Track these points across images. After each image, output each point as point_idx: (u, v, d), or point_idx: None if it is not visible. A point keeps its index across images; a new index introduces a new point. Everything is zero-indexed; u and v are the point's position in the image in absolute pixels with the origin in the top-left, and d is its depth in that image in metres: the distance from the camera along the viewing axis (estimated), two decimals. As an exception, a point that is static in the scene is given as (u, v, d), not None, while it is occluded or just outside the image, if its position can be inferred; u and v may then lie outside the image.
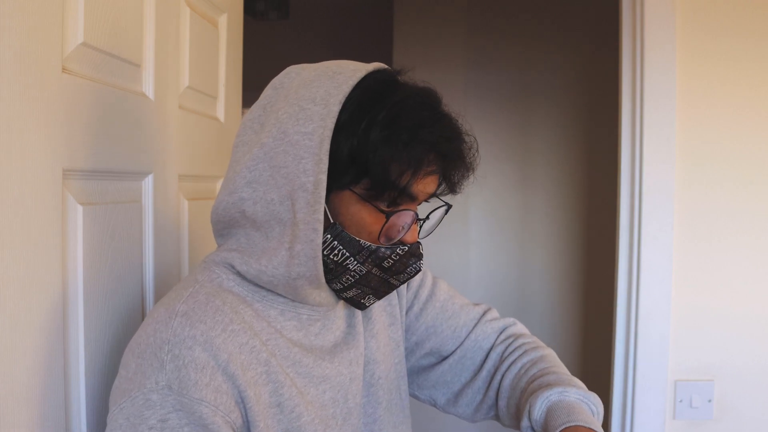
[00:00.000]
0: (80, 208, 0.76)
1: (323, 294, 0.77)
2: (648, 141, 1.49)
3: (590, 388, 0.85)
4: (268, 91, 0.77)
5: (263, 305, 0.76)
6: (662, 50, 1.48)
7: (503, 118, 2.71)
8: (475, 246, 2.77)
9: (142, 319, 0.85)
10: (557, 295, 2.76)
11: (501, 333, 0.96)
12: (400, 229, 0.75)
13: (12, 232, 0.64)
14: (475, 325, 0.96)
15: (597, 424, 0.77)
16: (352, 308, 0.86)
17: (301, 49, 3.68)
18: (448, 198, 0.81)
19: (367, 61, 0.77)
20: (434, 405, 0.98)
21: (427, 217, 0.81)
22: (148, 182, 0.96)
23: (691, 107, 1.50)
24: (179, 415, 0.64)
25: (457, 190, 0.80)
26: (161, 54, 0.97)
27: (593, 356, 2.68)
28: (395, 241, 0.75)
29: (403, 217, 0.74)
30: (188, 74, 1.09)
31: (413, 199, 0.75)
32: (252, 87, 1.34)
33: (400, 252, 0.75)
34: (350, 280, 0.76)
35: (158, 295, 0.97)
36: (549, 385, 0.82)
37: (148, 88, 0.95)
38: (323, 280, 0.74)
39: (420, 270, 0.78)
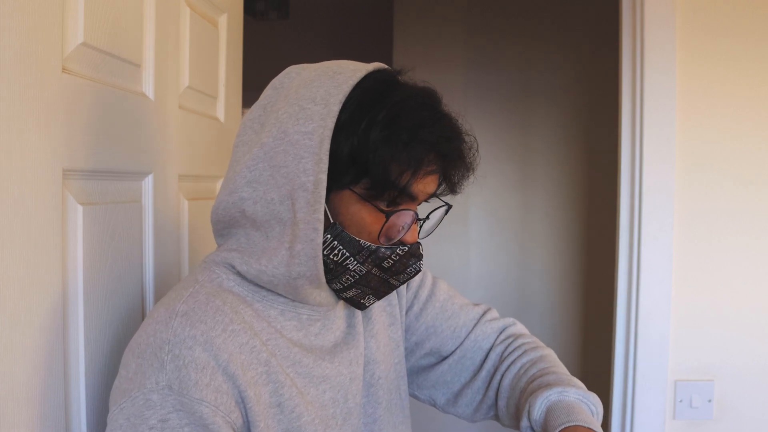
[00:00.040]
0: (80, 208, 0.76)
1: (323, 294, 0.77)
2: (648, 141, 1.49)
3: (590, 388, 0.85)
4: (268, 91, 0.77)
5: (263, 305, 0.76)
6: (662, 50, 1.48)
7: (503, 118, 2.71)
8: (475, 246, 2.77)
9: (142, 319, 0.85)
10: (557, 295, 2.76)
11: (501, 333, 0.96)
12: (400, 229, 0.75)
13: (12, 232, 0.64)
14: (475, 325, 0.96)
15: (596, 424, 0.77)
16: (352, 308, 0.86)
17: (301, 49, 3.68)
18: (448, 198, 0.81)
19: (367, 61, 0.77)
20: (434, 405, 0.98)
21: (427, 217, 0.81)
22: (148, 182, 0.96)
23: (691, 107, 1.50)
24: (179, 415, 0.64)
25: (457, 190, 0.80)
26: (161, 54, 0.97)
27: (593, 356, 2.68)
28: (395, 241, 0.75)
29: (403, 217, 0.74)
30: (188, 74, 1.09)
31: (413, 199, 0.75)
32: (252, 87, 1.34)
33: (399, 252, 0.75)
34: (350, 280, 0.76)
35: (158, 295, 0.97)
36: (548, 385, 0.82)
37: (148, 88, 0.95)
38: (324, 279, 0.74)
39: (420, 270, 0.78)
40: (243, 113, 1.30)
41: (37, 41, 0.67)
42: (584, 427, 0.74)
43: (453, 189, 0.79)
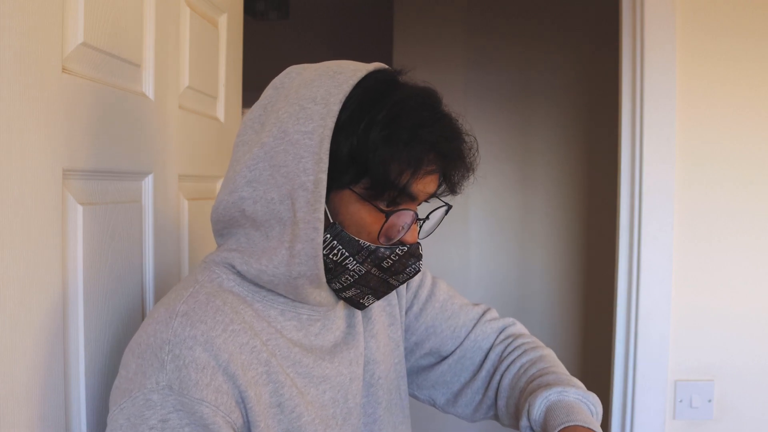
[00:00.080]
0: (80, 208, 0.76)
1: (323, 294, 0.77)
2: (648, 141, 1.49)
3: (590, 388, 0.85)
4: (268, 91, 0.77)
5: (263, 305, 0.76)
6: (662, 50, 1.48)
7: (503, 118, 2.71)
8: (475, 246, 2.77)
9: (142, 319, 0.85)
10: (557, 295, 2.76)
11: (500, 333, 0.96)
12: (399, 229, 0.75)
13: (12, 232, 0.64)
14: (475, 325, 0.96)
15: (596, 424, 0.77)
16: (352, 308, 0.86)
17: (301, 49, 3.68)
18: (447, 198, 0.81)
19: (367, 61, 0.77)
20: (433, 405, 0.98)
21: (427, 217, 0.81)
22: (148, 182, 0.96)
23: (691, 107, 1.50)
24: (180, 416, 0.64)
25: (457, 190, 0.80)
26: (161, 54, 0.97)
27: (593, 356, 2.68)
28: (395, 241, 0.75)
29: (403, 217, 0.74)
30: (188, 74, 1.09)
31: (413, 199, 0.75)
32: (252, 87, 1.34)
33: (399, 252, 0.75)
34: (349, 280, 0.76)
35: (158, 295, 0.97)
36: (548, 385, 0.82)
37: (148, 88, 0.95)
38: (324, 279, 0.74)
39: (419, 271, 0.78)
40: (243, 113, 1.30)
41: (37, 41, 0.67)
42: (583, 427, 0.74)
43: (453, 189, 0.79)
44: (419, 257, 0.77)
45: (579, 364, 2.73)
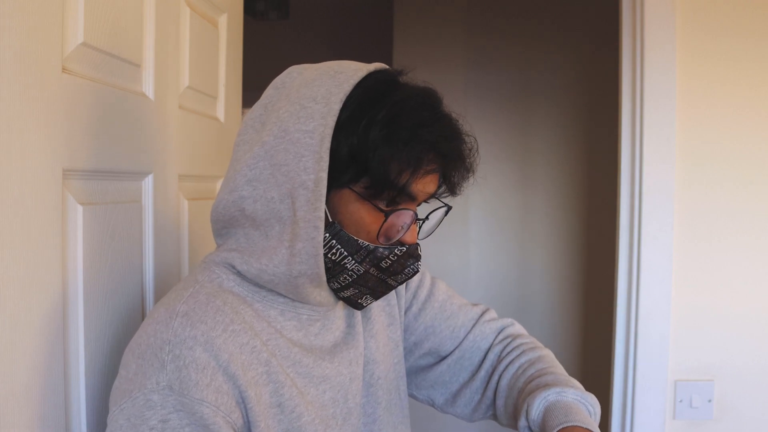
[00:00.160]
0: (80, 208, 0.76)
1: (323, 293, 0.77)
2: (648, 141, 1.49)
3: (590, 388, 0.85)
4: (269, 91, 0.77)
5: (263, 305, 0.76)
6: (662, 50, 1.48)
7: (503, 118, 2.71)
8: (475, 246, 2.77)
9: (142, 319, 0.85)
10: (557, 295, 2.76)
11: (499, 333, 0.96)
12: (399, 229, 0.75)
13: (12, 232, 0.64)
14: (474, 325, 0.96)
15: (594, 424, 0.77)
16: (352, 308, 0.86)
17: (301, 49, 3.68)
18: (447, 199, 0.81)
19: (367, 61, 0.77)
20: (432, 405, 0.98)
21: (427, 218, 0.81)
22: (148, 182, 0.96)
23: (691, 107, 1.50)
24: (180, 416, 0.64)
25: (457, 191, 0.80)
26: (161, 54, 0.97)
27: (593, 356, 2.68)
28: (394, 241, 0.75)
29: (403, 217, 0.74)
30: (188, 74, 1.09)
31: (412, 199, 0.75)
32: (252, 87, 1.34)
33: (398, 252, 0.75)
34: (348, 280, 0.76)
35: (158, 295, 0.97)
36: (547, 386, 0.82)
37: (148, 88, 0.95)
38: (324, 278, 0.74)
39: (417, 271, 0.78)
40: (243, 113, 1.30)
41: (37, 41, 0.67)
42: (582, 427, 0.75)
43: (452, 190, 0.79)
44: (418, 258, 0.77)
45: (579, 364, 2.73)
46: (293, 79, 0.76)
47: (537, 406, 0.79)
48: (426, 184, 0.75)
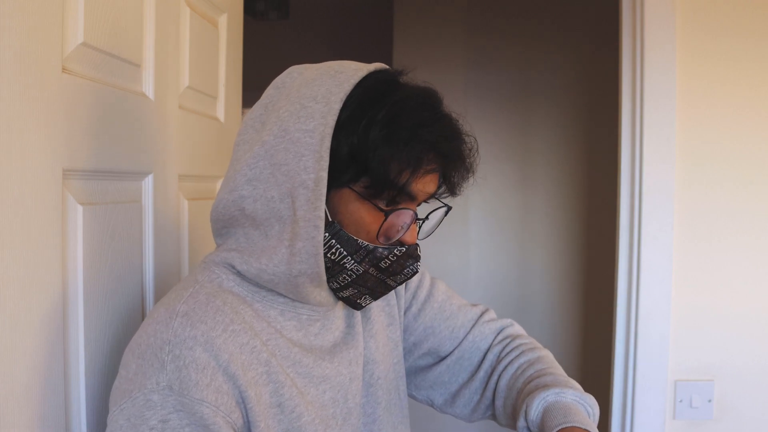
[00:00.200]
0: (80, 208, 0.76)
1: (323, 293, 0.77)
2: (648, 141, 1.49)
3: (590, 388, 0.85)
4: (269, 91, 0.77)
5: (263, 305, 0.76)
6: (662, 50, 1.48)
7: (503, 118, 2.71)
8: (475, 246, 2.77)
9: (142, 319, 0.85)
10: (557, 295, 2.76)
11: (498, 334, 0.96)
12: (399, 229, 0.75)
13: (12, 232, 0.64)
14: (473, 325, 0.96)
15: (593, 425, 0.77)
16: (351, 308, 0.86)
17: (301, 49, 3.68)
18: (447, 199, 0.81)
19: (367, 61, 0.77)
20: (431, 405, 0.98)
21: (427, 218, 0.81)
22: (148, 182, 0.96)
23: (691, 107, 1.50)
24: (180, 416, 0.64)
25: (457, 191, 0.80)
26: (161, 54, 0.97)
27: (593, 356, 2.68)
28: (394, 241, 0.75)
29: (402, 217, 0.74)
30: (188, 74, 1.09)
31: (412, 199, 0.75)
32: (252, 87, 1.34)
33: (397, 253, 0.75)
34: (347, 280, 0.76)
35: (158, 295, 0.97)
36: (546, 386, 0.82)
37: (148, 88, 0.95)
38: (324, 277, 0.74)
39: (417, 272, 0.78)
40: (243, 113, 1.30)
41: (37, 41, 0.67)
42: (580, 428, 0.75)
43: (452, 190, 0.79)
44: (417, 258, 0.77)
45: (579, 364, 2.73)
46: (293, 79, 0.76)
47: (536, 407, 0.80)
48: (426, 183, 0.75)
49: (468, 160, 0.78)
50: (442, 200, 0.81)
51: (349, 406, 0.82)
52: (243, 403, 0.69)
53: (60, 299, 0.73)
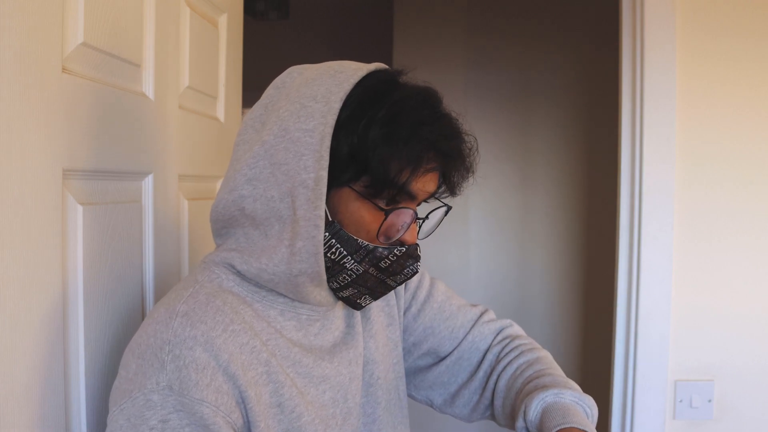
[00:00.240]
0: (80, 208, 0.76)
1: (323, 293, 0.77)
2: (648, 141, 1.49)
3: (590, 388, 0.85)
4: (269, 91, 0.77)
5: (263, 305, 0.76)
6: (662, 50, 1.48)
7: (503, 118, 2.71)
8: (475, 246, 2.77)
9: (142, 319, 0.85)
10: (557, 295, 2.76)
11: (498, 334, 0.96)
12: (399, 228, 0.75)
13: (12, 232, 0.64)
14: (473, 326, 0.96)
15: (591, 426, 0.77)
16: (351, 308, 0.86)
17: (301, 49, 3.68)
18: (447, 199, 0.81)
19: (367, 61, 0.77)
20: (431, 405, 0.98)
21: (427, 217, 0.81)
22: (148, 182, 0.96)
23: (691, 107, 1.50)
24: (180, 416, 0.64)
25: (457, 191, 0.80)
26: (161, 54, 0.97)
27: (593, 356, 2.68)
28: (394, 240, 0.75)
29: (402, 216, 0.74)
30: (188, 74, 1.09)
31: (412, 198, 0.75)
32: (252, 87, 1.34)
33: (397, 253, 0.75)
34: (347, 280, 0.76)
35: (158, 295, 0.97)
36: (545, 387, 0.82)
37: (148, 88, 0.95)
38: (324, 277, 0.74)
39: (416, 272, 0.78)
40: (243, 113, 1.30)
41: (37, 41, 0.67)
42: (579, 429, 0.75)
43: (452, 190, 0.79)
44: (417, 258, 0.77)
45: (579, 364, 2.73)
46: (293, 79, 0.76)
47: (534, 407, 0.80)
48: (426, 182, 0.75)
49: (468, 159, 0.78)
50: (442, 200, 0.81)
51: (349, 406, 0.82)
52: (243, 403, 0.69)
53: (60, 299, 0.73)
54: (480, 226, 2.76)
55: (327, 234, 0.73)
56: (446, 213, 0.82)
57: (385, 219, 0.73)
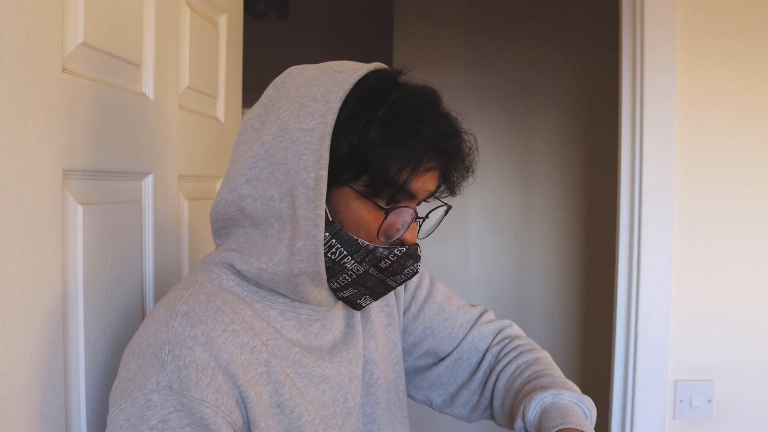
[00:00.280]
0: (80, 208, 0.76)
1: (323, 293, 0.77)
2: (648, 141, 1.49)
3: (590, 388, 0.85)
4: (269, 91, 0.77)
5: (263, 305, 0.76)
6: (662, 50, 1.48)
7: (503, 118, 2.71)
8: (475, 246, 2.77)
9: (142, 319, 0.85)
10: (557, 295, 2.76)
11: (497, 334, 0.96)
12: (399, 228, 0.75)
13: (12, 232, 0.64)
14: (472, 326, 0.96)
15: (590, 427, 0.78)
16: (351, 308, 0.86)
17: (301, 49, 3.68)
18: (447, 199, 0.81)
19: (367, 61, 0.77)
20: (430, 405, 0.98)
21: (427, 216, 0.81)
22: (148, 182, 0.96)
23: (691, 107, 1.50)
24: (180, 416, 0.64)
25: (457, 190, 0.80)
26: (161, 54, 0.97)
27: (593, 356, 2.68)
28: (394, 239, 0.75)
29: (403, 215, 0.74)
30: (188, 74, 1.09)
31: (412, 197, 0.75)
32: (252, 87, 1.34)
33: (397, 253, 0.75)
34: (347, 280, 0.76)
35: (158, 295, 0.97)
36: (543, 388, 0.82)
37: (148, 88, 0.95)
38: (324, 276, 0.74)
39: (417, 272, 0.78)
40: (243, 113, 1.30)
41: (37, 41, 0.67)
42: (577, 429, 0.75)
43: (452, 189, 0.79)
44: (417, 259, 0.77)
45: (579, 364, 2.73)
46: (293, 79, 0.76)
47: (533, 408, 0.80)
48: (426, 181, 0.75)
49: (468, 159, 0.78)
50: (442, 199, 0.81)
51: (349, 405, 0.82)
52: (243, 403, 0.69)
53: (60, 299, 0.73)
54: (480, 226, 2.76)
55: (327, 234, 0.73)
56: (446, 212, 0.82)
57: (385, 218, 0.73)
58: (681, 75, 1.49)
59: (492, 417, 0.93)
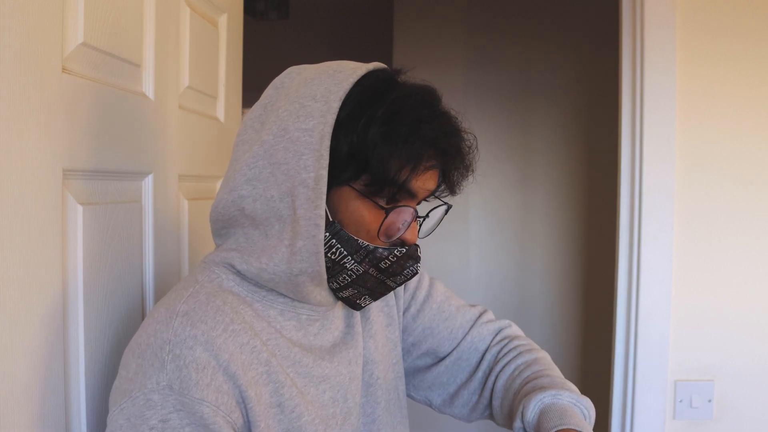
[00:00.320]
0: (80, 208, 0.76)
1: (323, 293, 0.77)
2: (648, 141, 1.49)
3: (590, 388, 0.85)
4: (269, 91, 0.77)
5: (263, 305, 0.76)
6: (662, 50, 1.48)
7: (503, 118, 2.71)
8: (475, 246, 2.77)
9: (142, 319, 0.85)
10: (557, 295, 2.76)
11: (496, 335, 0.96)
12: (399, 227, 0.75)
13: (12, 232, 0.64)
14: (472, 326, 0.96)
15: (588, 427, 0.78)
16: (351, 309, 0.86)
17: (301, 49, 3.68)
18: (447, 198, 0.81)
19: (367, 61, 0.77)
20: (430, 405, 0.98)
21: (427, 215, 0.81)
22: (148, 182, 0.96)
23: (691, 107, 1.50)
24: (180, 416, 0.64)
25: (456, 190, 0.80)
26: (161, 54, 0.97)
27: (593, 356, 2.68)
28: (394, 239, 0.75)
29: (403, 215, 0.74)
30: (188, 74, 1.09)
31: (412, 196, 0.75)
32: (252, 87, 1.34)
33: (397, 253, 0.75)
34: (347, 280, 0.76)
35: (158, 295, 0.97)
36: (542, 388, 0.82)
37: (148, 88, 0.95)
38: (325, 276, 0.74)
39: (416, 273, 0.78)
40: (243, 113, 1.30)
41: (37, 41, 0.67)
42: (576, 430, 0.75)
43: (452, 188, 0.79)
44: (417, 259, 0.77)
45: (579, 364, 2.73)
46: (292, 79, 0.76)
47: (532, 408, 0.80)
48: (426, 180, 0.75)
49: (467, 157, 0.78)
50: (442, 199, 0.81)
51: (349, 405, 0.82)
52: (243, 402, 0.69)
53: (60, 299, 0.73)
54: (480, 226, 2.76)
55: (327, 234, 0.73)
56: (446, 212, 0.82)
57: (385, 218, 0.73)
58: (681, 75, 1.49)
59: (491, 417, 0.93)
